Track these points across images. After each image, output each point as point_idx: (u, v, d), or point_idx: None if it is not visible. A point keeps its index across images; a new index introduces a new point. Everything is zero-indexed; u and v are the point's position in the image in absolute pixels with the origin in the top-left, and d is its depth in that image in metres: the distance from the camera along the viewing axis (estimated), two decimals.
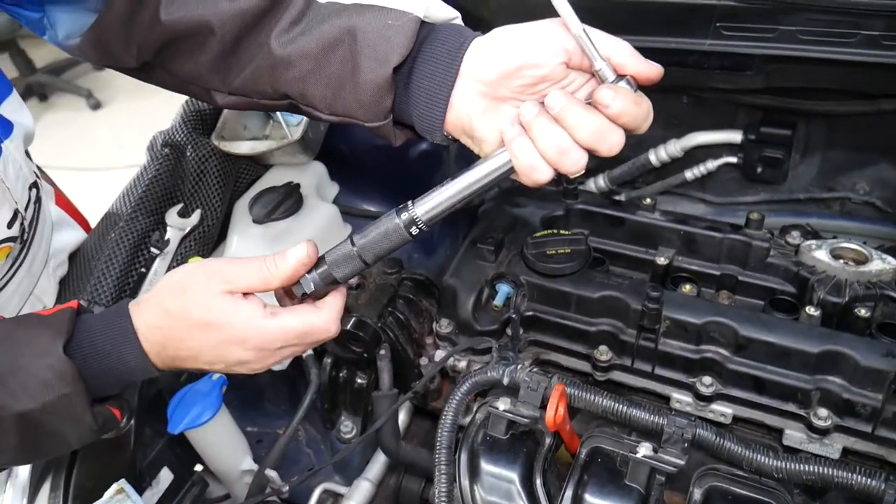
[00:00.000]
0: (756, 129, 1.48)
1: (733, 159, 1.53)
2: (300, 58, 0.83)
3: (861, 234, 1.46)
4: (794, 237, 1.16)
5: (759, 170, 1.51)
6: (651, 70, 0.74)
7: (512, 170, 0.78)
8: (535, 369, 1.03)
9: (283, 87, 0.87)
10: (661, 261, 1.18)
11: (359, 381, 1.36)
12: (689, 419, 0.94)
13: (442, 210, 0.79)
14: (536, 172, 0.76)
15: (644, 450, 0.93)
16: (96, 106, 4.65)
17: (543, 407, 0.98)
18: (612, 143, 0.74)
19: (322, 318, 0.83)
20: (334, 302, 0.85)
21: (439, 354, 1.21)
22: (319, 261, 0.83)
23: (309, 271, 0.84)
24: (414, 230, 0.79)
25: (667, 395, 1.08)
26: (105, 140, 4.32)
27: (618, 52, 0.73)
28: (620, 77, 0.74)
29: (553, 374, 1.02)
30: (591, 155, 0.77)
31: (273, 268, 0.82)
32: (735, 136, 1.51)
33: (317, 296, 0.84)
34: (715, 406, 1.05)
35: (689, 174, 1.57)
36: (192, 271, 0.83)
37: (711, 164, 1.55)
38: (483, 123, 0.79)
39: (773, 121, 1.47)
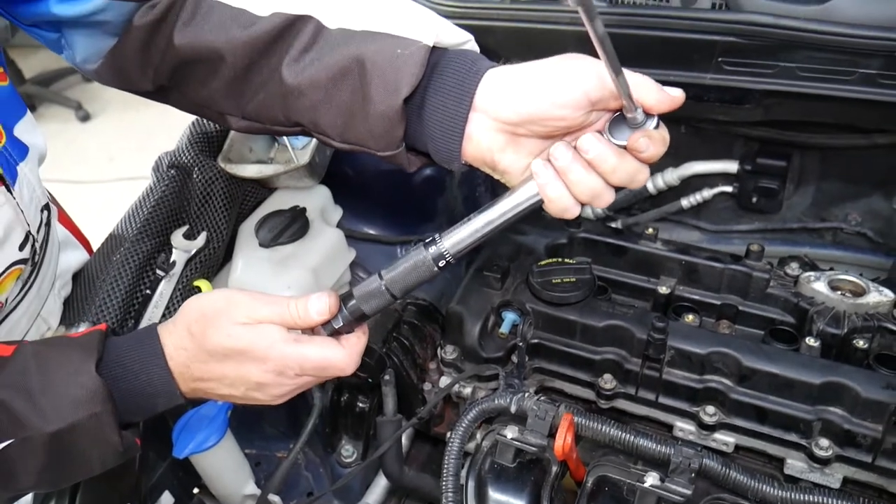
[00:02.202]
0: (752, 159, 1.50)
1: (729, 188, 1.56)
2: (310, 87, 0.84)
3: (853, 263, 1.49)
4: (793, 268, 1.19)
5: (755, 199, 1.54)
6: (675, 102, 0.75)
7: (539, 203, 0.79)
8: (542, 397, 1.04)
9: (294, 115, 0.88)
10: (663, 290, 1.20)
11: (360, 405, 1.37)
12: (696, 449, 0.96)
13: (469, 243, 0.80)
14: (568, 212, 0.78)
15: (651, 479, 0.95)
16: (85, 118, 4.63)
17: (551, 435, 0.99)
18: (641, 180, 0.76)
19: (341, 356, 0.83)
20: (357, 342, 0.85)
21: (444, 380, 1.22)
22: (347, 295, 0.84)
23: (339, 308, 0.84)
24: (442, 263, 0.81)
25: (670, 423, 1.10)
26: (94, 152, 4.30)
27: (644, 90, 0.74)
28: (648, 116, 0.75)
29: (560, 403, 1.03)
30: None
31: (295, 314, 0.82)
32: (731, 167, 1.53)
33: (345, 330, 0.85)
34: (718, 435, 1.07)
35: (685, 202, 1.60)
36: (216, 299, 0.83)
37: (707, 193, 1.57)
38: (505, 157, 0.80)
39: (769, 152, 1.50)
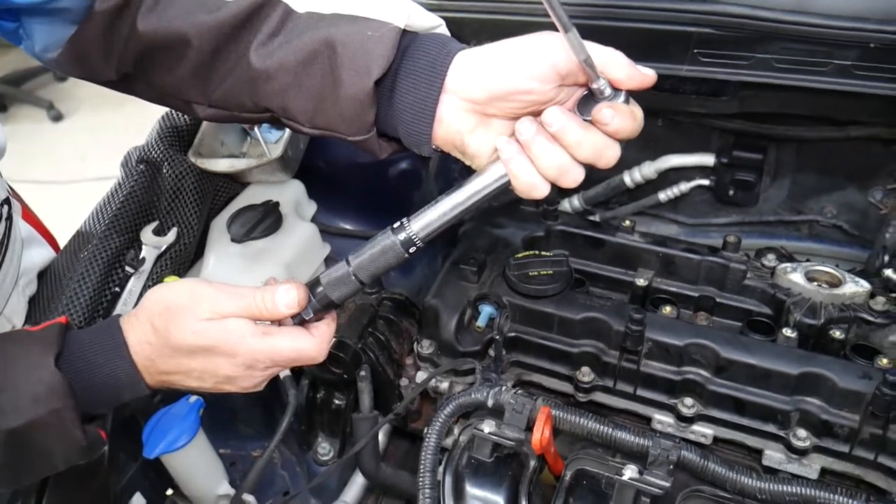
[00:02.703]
0: (728, 152, 1.51)
1: (706, 182, 1.56)
2: (279, 71, 0.82)
3: (829, 256, 1.50)
4: (770, 260, 1.19)
5: (731, 192, 1.55)
6: (646, 80, 0.73)
7: (507, 184, 0.77)
8: (519, 391, 1.03)
9: (263, 100, 0.86)
10: (641, 282, 1.19)
11: (336, 402, 1.34)
12: (674, 441, 0.95)
13: (438, 226, 0.79)
14: (536, 190, 0.75)
15: (630, 472, 0.94)
16: (57, 118, 4.56)
17: (528, 429, 0.98)
18: (609, 157, 0.74)
19: (312, 345, 0.82)
20: (326, 330, 0.84)
21: (420, 375, 1.20)
22: (315, 282, 0.82)
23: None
24: (412, 249, 0.79)
25: (648, 416, 1.09)
26: (67, 153, 4.23)
27: (613, 64, 0.73)
28: (616, 90, 0.73)
29: (538, 397, 1.02)
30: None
31: (262, 307, 0.80)
32: (708, 160, 1.53)
33: (313, 319, 0.83)
34: (696, 427, 1.06)
35: (663, 196, 1.59)
36: (178, 292, 0.81)
37: (684, 186, 1.57)
38: (474, 139, 0.79)
39: (746, 145, 1.50)
